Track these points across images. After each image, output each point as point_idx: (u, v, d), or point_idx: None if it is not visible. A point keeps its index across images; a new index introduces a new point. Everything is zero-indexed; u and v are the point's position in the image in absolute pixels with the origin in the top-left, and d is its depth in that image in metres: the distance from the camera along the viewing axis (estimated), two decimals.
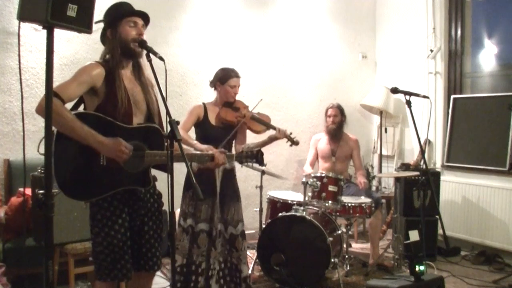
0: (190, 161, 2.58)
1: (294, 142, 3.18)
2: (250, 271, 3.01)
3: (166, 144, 2.08)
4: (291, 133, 3.16)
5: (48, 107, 1.57)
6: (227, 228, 2.96)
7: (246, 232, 3.19)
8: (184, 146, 2.04)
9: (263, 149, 2.61)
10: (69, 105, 2.05)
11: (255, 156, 2.53)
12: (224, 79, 3.00)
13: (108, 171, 1.98)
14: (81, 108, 2.11)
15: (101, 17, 2.13)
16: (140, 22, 2.12)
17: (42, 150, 1.87)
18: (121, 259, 2.06)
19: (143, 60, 2.13)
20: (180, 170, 2.90)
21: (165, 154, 2.05)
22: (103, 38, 2.15)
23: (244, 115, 3.01)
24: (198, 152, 2.53)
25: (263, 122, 3.10)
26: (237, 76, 3.02)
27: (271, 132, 3.15)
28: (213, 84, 3.08)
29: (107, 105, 2.01)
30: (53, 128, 1.91)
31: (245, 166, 2.81)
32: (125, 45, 2.08)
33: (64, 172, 1.91)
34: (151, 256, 2.20)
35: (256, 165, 2.71)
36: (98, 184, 2.00)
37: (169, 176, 1.88)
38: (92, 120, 1.95)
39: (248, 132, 3.16)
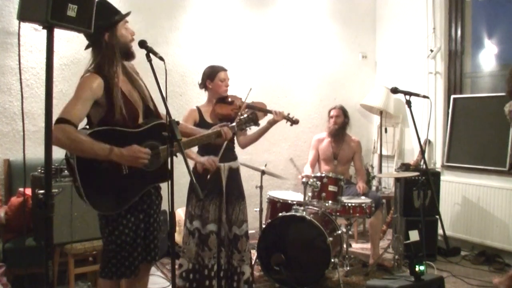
0: (199, 144, 2.68)
1: (293, 121, 3.11)
2: (249, 274, 2.99)
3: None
4: (289, 114, 3.10)
5: (48, 108, 1.57)
6: (231, 228, 2.95)
7: None
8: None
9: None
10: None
11: (252, 119, 2.62)
12: (212, 75, 3.03)
13: (132, 177, 2.03)
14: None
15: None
16: (127, 21, 2.13)
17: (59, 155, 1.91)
18: (129, 256, 2.10)
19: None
20: (179, 169, 2.91)
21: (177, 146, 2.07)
22: (96, 42, 2.05)
23: (239, 106, 3.01)
24: (205, 133, 2.51)
25: (259, 109, 3.07)
26: (224, 69, 3.05)
27: (269, 118, 3.14)
28: (203, 84, 3.09)
29: (111, 114, 2.01)
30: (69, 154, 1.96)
31: (246, 129, 2.82)
32: (126, 49, 2.10)
33: (93, 193, 1.95)
34: (154, 247, 2.26)
35: (254, 128, 2.81)
36: (126, 192, 2.05)
37: (169, 176, 1.89)
38: (105, 135, 1.97)
39: None
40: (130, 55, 2.14)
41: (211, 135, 2.48)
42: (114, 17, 2.07)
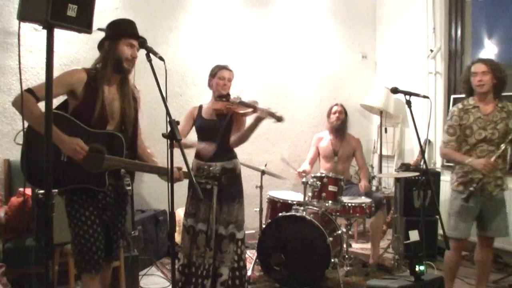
0: (143, 171, 2.61)
1: (278, 119, 2.90)
2: (227, 276, 2.95)
3: (126, 152, 2.20)
4: (276, 112, 2.91)
5: (48, 108, 1.57)
6: (218, 228, 2.95)
7: (246, 232, 3.17)
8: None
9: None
10: (55, 103, 2.08)
11: (217, 179, 2.53)
12: (213, 73, 3.10)
13: (67, 167, 2.11)
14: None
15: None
16: (136, 44, 2.22)
17: (18, 139, 2.14)
18: (89, 251, 2.15)
19: (131, 75, 2.29)
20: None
21: (123, 161, 2.20)
22: (100, 46, 2.26)
23: (232, 102, 2.99)
24: (151, 164, 2.43)
25: (247, 104, 2.98)
26: (225, 68, 3.08)
27: None
28: (208, 82, 3.14)
29: (82, 110, 2.15)
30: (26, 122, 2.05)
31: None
32: (118, 62, 2.19)
33: (30, 162, 2.08)
34: (115, 247, 2.36)
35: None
36: (57, 178, 2.08)
37: (169, 176, 1.89)
38: (59, 120, 2.07)
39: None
40: (120, 70, 2.22)
41: (155, 169, 2.37)
42: (119, 32, 2.21)
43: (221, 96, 3.05)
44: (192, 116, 3.12)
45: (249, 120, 3.07)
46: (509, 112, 2.98)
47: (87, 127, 2.15)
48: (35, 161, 2.06)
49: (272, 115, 2.91)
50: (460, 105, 3.10)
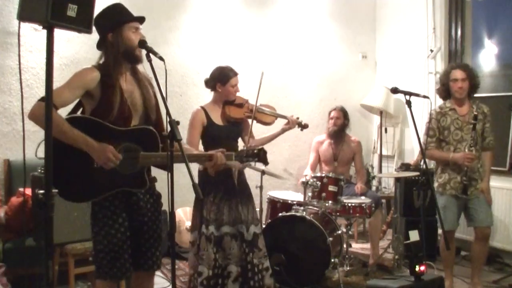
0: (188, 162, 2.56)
1: (303, 126, 3.30)
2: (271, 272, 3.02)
3: (161, 145, 2.11)
4: (298, 118, 3.22)
5: (48, 108, 1.57)
6: (248, 228, 2.89)
7: None
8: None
9: (265, 148, 2.58)
10: (68, 108, 2.06)
11: (257, 155, 2.42)
12: (224, 79, 2.93)
13: (103, 173, 1.99)
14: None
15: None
16: (139, 27, 2.14)
17: (39, 153, 1.90)
18: (120, 257, 2.07)
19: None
20: (180, 170, 2.91)
21: (159, 156, 2.08)
22: (102, 42, 2.11)
23: (251, 110, 3.01)
24: (195, 152, 2.52)
25: (271, 113, 3.14)
26: (235, 74, 2.97)
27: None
28: (211, 84, 2.99)
29: (102, 109, 2.03)
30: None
31: (247, 167, 2.79)
32: (130, 51, 2.09)
33: (60, 176, 1.89)
34: (150, 255, 2.21)
35: (259, 165, 2.58)
36: (94, 186, 2.02)
37: (169, 176, 1.88)
38: (84, 124, 1.97)
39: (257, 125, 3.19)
40: (133, 59, 2.12)
41: (201, 157, 2.38)
42: (117, 18, 2.09)
43: (231, 101, 2.99)
44: (201, 122, 2.90)
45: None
46: (484, 114, 3.23)
47: (113, 124, 2.01)
48: (62, 171, 1.90)
49: (300, 125, 3.22)
50: (438, 109, 3.33)
